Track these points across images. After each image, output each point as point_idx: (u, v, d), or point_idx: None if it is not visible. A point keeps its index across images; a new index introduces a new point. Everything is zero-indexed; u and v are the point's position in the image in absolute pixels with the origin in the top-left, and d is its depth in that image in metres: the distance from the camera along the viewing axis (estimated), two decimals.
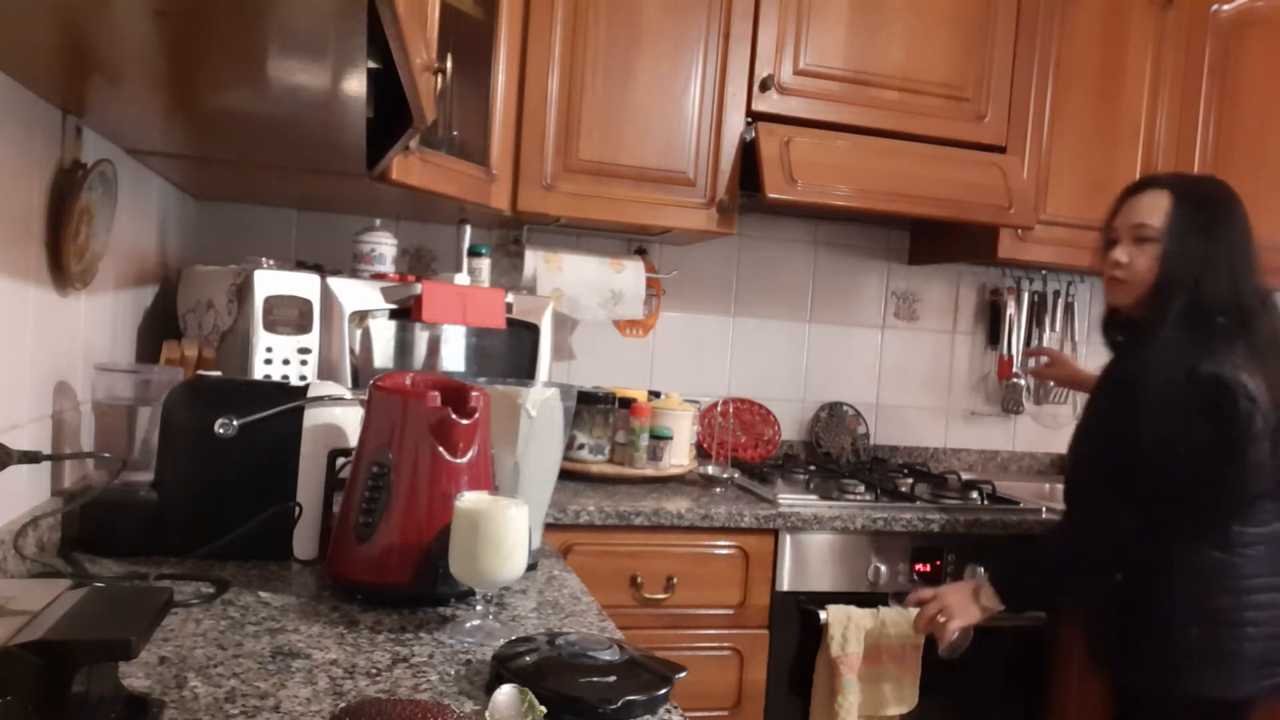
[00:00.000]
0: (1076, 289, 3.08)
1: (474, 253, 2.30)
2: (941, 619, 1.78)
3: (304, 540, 1.38)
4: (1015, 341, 3.00)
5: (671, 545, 2.06)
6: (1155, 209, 1.72)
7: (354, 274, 2.03)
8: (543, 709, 0.87)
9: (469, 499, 1.14)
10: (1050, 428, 3.10)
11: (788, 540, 2.14)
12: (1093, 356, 3.16)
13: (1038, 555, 1.83)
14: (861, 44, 2.45)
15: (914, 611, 1.88)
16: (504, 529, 1.11)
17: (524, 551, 1.13)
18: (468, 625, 1.15)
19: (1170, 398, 1.60)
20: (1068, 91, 2.63)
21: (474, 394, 1.25)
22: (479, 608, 1.18)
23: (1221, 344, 1.61)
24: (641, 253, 2.71)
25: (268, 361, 1.75)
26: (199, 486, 1.36)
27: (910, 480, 2.55)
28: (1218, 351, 1.60)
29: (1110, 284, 1.79)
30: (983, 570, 1.84)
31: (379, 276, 1.98)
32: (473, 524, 1.11)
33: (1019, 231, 2.59)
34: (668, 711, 0.95)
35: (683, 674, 1.00)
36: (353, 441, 1.36)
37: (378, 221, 2.17)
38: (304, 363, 1.78)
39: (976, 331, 3.04)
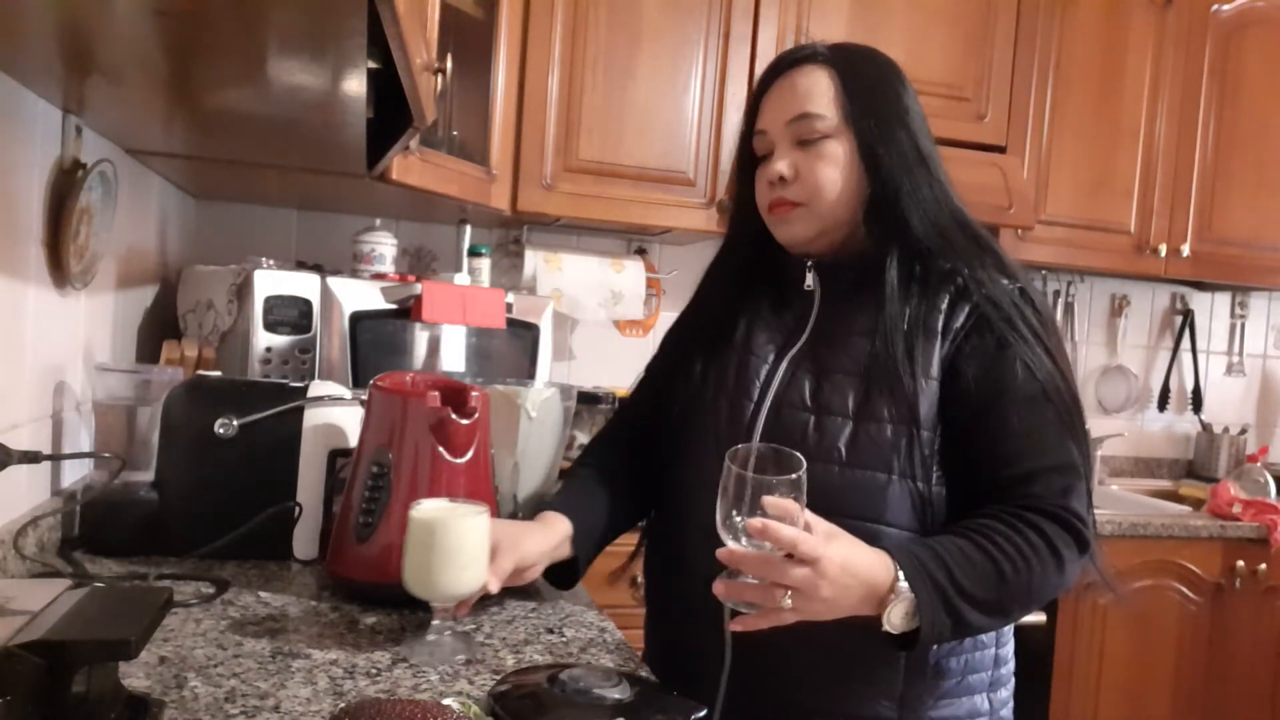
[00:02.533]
0: (1076, 289, 3.08)
1: (474, 253, 2.30)
2: (787, 601, 0.93)
3: (304, 540, 1.38)
4: None
5: None
6: (820, 89, 1.14)
7: (354, 274, 2.03)
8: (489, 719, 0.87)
9: (426, 507, 1.07)
10: None
11: None
12: (1094, 356, 3.16)
13: (1011, 572, 0.98)
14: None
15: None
16: (461, 539, 1.04)
17: (483, 563, 1.06)
18: (428, 639, 1.07)
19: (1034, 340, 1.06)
20: (1068, 91, 2.63)
21: (474, 394, 1.25)
22: (436, 622, 1.08)
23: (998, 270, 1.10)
24: (641, 253, 2.71)
25: (267, 361, 1.75)
26: (199, 486, 1.36)
27: None
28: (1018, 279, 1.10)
29: (778, 212, 1.16)
30: (900, 576, 0.95)
31: (379, 276, 1.98)
32: (428, 534, 1.04)
33: (1019, 231, 2.59)
34: None
35: (701, 713, 0.92)
36: (353, 441, 1.36)
37: (378, 221, 2.17)
38: (304, 363, 1.78)
39: None
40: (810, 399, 1.09)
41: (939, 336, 1.06)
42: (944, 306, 1.07)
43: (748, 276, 1.23)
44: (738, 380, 1.16)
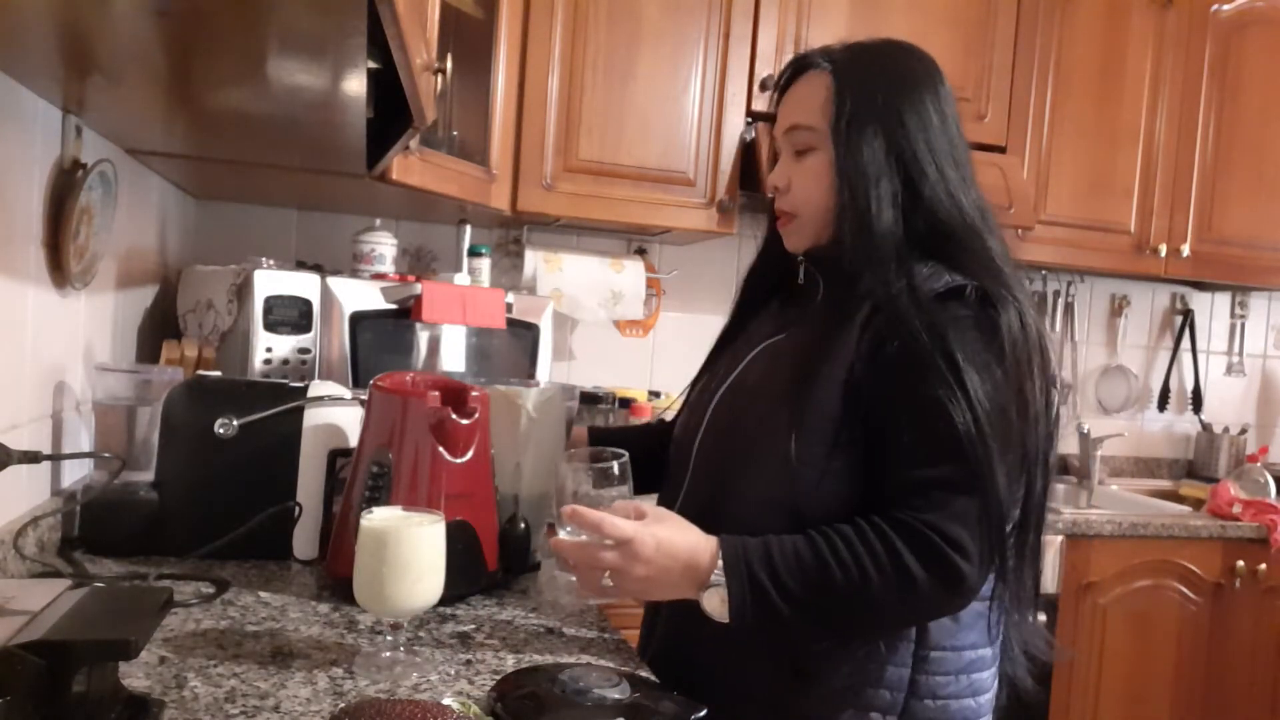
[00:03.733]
0: (1076, 289, 3.08)
1: (474, 253, 2.30)
2: (608, 581, 0.99)
3: (304, 540, 1.38)
4: None
5: None
6: (811, 99, 1.12)
7: (354, 274, 2.02)
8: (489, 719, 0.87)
9: (377, 516, 1.04)
10: None
11: None
12: (1094, 357, 3.16)
13: (846, 584, 0.96)
14: None
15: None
16: (415, 550, 1.00)
17: (438, 575, 1.02)
18: (381, 656, 1.03)
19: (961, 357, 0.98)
20: (1068, 91, 2.63)
21: (474, 394, 1.25)
22: (388, 638, 1.05)
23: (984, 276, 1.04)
24: (641, 253, 2.71)
25: (267, 361, 1.75)
26: (199, 486, 1.36)
27: None
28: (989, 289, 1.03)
29: (778, 224, 1.18)
30: (718, 575, 0.97)
31: (379, 276, 1.97)
32: (378, 544, 1.00)
33: (1019, 231, 2.59)
34: None
35: (702, 713, 0.93)
36: (353, 441, 1.36)
37: (378, 221, 2.17)
38: (304, 363, 1.78)
39: None
40: (758, 383, 1.13)
41: (857, 332, 1.03)
42: (866, 309, 1.04)
43: (779, 273, 1.24)
44: (724, 369, 1.20)
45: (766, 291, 1.26)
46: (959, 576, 0.96)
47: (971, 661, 1.07)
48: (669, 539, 0.98)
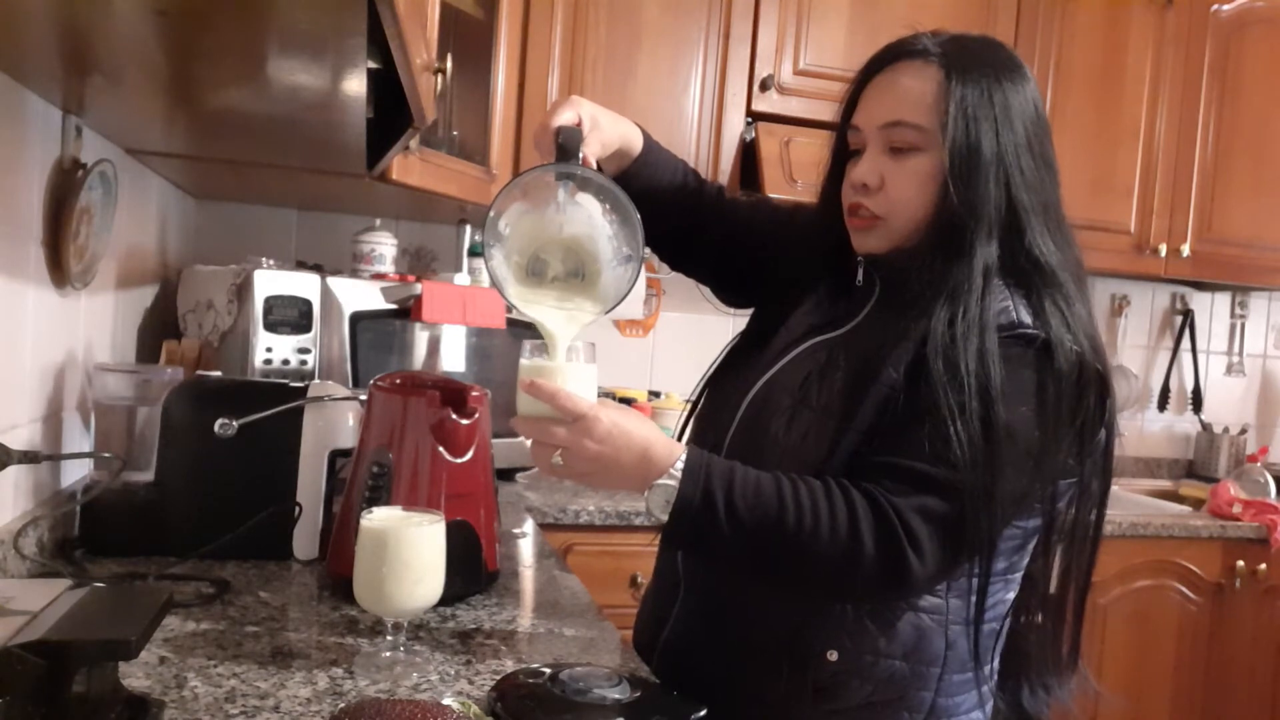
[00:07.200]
0: None
1: (474, 253, 2.30)
2: (558, 459, 0.95)
3: (304, 540, 1.38)
4: None
5: None
6: (919, 94, 1.02)
7: (354, 274, 2.03)
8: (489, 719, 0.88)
9: (377, 516, 1.05)
10: None
11: None
12: None
13: (795, 527, 0.93)
14: (861, 44, 2.44)
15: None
16: (415, 550, 1.00)
17: (438, 575, 1.03)
18: (381, 656, 1.03)
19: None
20: (1068, 91, 2.63)
21: (474, 394, 1.26)
22: (389, 638, 1.05)
23: (1053, 309, 1.00)
24: None
25: (268, 361, 1.75)
26: (199, 486, 1.36)
27: None
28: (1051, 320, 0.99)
29: (855, 223, 1.08)
30: (679, 464, 0.94)
31: (379, 276, 1.98)
32: (378, 544, 1.00)
33: None
34: None
35: (702, 713, 0.93)
36: (353, 441, 1.36)
37: (378, 221, 2.17)
38: (304, 363, 1.78)
39: None
40: (799, 387, 1.06)
41: (913, 349, 0.98)
42: (924, 327, 0.99)
43: (827, 255, 1.16)
44: (758, 349, 1.15)
45: (810, 285, 1.18)
46: (905, 567, 0.92)
47: (983, 680, 1.07)
48: (625, 425, 0.94)
